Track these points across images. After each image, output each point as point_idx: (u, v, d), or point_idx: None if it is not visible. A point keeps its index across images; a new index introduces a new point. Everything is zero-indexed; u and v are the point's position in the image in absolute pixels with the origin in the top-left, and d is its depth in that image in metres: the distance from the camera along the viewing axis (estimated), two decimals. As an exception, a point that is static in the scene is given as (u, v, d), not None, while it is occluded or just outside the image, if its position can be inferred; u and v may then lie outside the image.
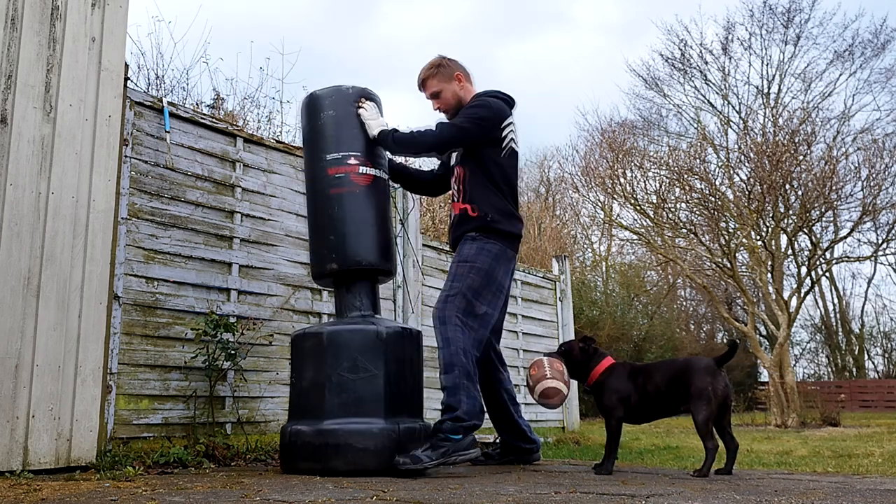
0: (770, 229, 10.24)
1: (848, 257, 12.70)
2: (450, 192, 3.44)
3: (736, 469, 2.99)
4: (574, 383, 4.50)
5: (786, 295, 10.66)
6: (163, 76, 7.62)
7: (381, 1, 40.30)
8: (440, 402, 2.96)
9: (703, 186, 10.38)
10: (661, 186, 10.99)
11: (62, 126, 2.92)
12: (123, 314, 3.31)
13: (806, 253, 12.28)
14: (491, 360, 3.39)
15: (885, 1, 27.76)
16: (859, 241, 15.38)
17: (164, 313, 3.49)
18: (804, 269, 11.83)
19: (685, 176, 10.46)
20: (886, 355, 25.09)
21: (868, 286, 28.16)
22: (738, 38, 19.79)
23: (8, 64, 2.81)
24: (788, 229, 10.35)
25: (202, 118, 3.85)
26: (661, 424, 8.22)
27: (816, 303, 23.86)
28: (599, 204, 15.37)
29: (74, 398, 2.81)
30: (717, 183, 10.66)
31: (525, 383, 3.26)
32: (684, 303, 21.62)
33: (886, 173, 9.93)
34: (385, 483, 2.50)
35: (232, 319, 3.68)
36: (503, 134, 3.23)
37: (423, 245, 5.46)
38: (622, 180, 11.16)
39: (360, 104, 3.22)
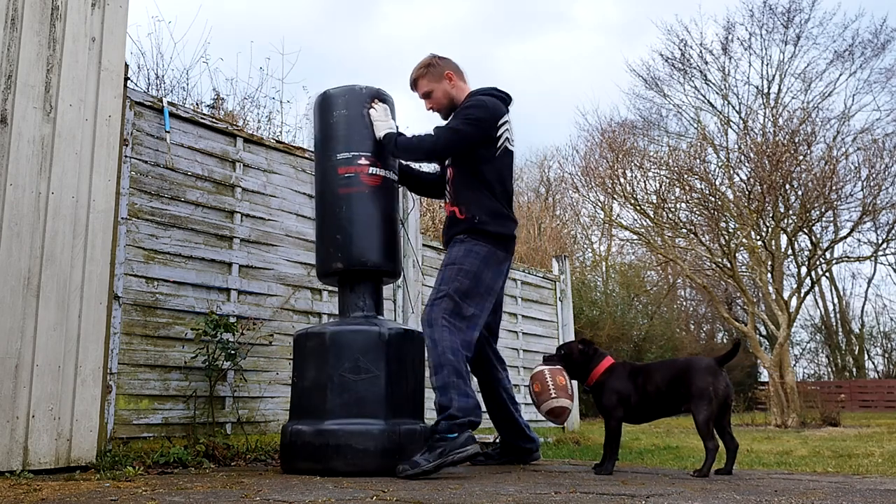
0: (770, 229, 10.24)
1: (848, 257, 12.70)
2: None
3: (736, 469, 2.99)
4: (574, 384, 4.50)
5: (786, 295, 10.66)
6: (163, 76, 7.63)
7: (381, 1, 40.31)
8: (433, 402, 2.95)
9: (703, 186, 10.38)
10: (661, 186, 10.99)
11: (62, 126, 2.92)
12: (123, 314, 3.31)
13: (806, 253, 12.28)
14: (489, 360, 3.39)
15: (885, 1, 27.78)
16: (859, 241, 15.39)
17: (164, 313, 3.49)
18: (804, 269, 11.83)
19: (685, 176, 10.46)
20: (886, 355, 25.10)
21: (868, 286, 28.20)
22: (738, 38, 19.80)
23: (8, 64, 2.81)
24: (788, 229, 10.35)
25: (202, 118, 3.85)
26: (661, 424, 8.21)
27: (816, 303, 23.89)
28: (599, 204, 15.37)
29: (74, 398, 2.81)
30: (717, 183, 10.66)
31: (528, 389, 3.25)
32: (684, 303, 21.63)
33: (886, 173, 9.93)
34: (385, 483, 2.50)
35: (232, 319, 3.68)
36: (498, 133, 3.17)
37: (423, 245, 5.46)
38: (622, 180, 11.16)
39: (372, 105, 3.21)
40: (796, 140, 10.12)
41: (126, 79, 3.28)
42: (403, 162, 3.44)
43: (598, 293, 17.13)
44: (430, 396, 2.97)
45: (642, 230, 11.94)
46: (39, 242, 2.79)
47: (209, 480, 2.55)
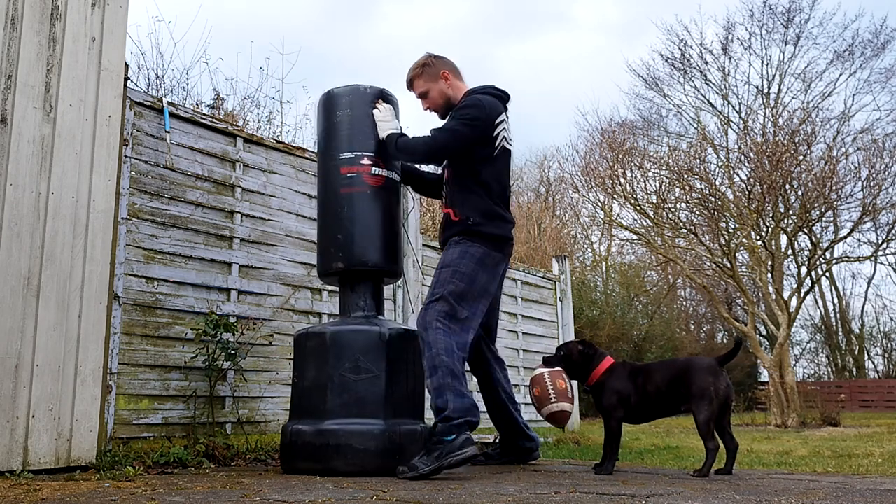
0: (770, 229, 10.23)
1: (848, 257, 12.69)
2: None
3: (736, 469, 2.99)
4: (574, 386, 4.50)
5: (786, 295, 10.66)
6: (163, 76, 7.63)
7: (381, 1, 40.32)
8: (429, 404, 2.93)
9: (703, 186, 10.38)
10: (661, 186, 10.99)
11: (62, 126, 2.92)
12: (123, 314, 3.31)
13: (806, 253, 12.28)
14: (486, 360, 3.38)
15: (885, 1, 27.80)
16: (859, 241, 15.41)
17: (164, 313, 3.49)
18: (804, 269, 11.83)
19: (685, 176, 10.46)
20: (886, 355, 25.10)
21: (868, 286, 28.20)
22: (738, 38, 19.84)
23: (8, 64, 2.81)
24: (788, 229, 10.34)
25: (202, 118, 3.85)
26: (661, 424, 8.21)
27: (816, 303, 23.89)
28: (599, 204, 15.37)
29: (74, 398, 2.81)
30: (717, 183, 10.66)
31: (528, 390, 3.25)
32: (684, 303, 21.63)
33: (886, 173, 9.92)
34: (385, 483, 2.50)
35: (232, 319, 3.68)
36: (495, 132, 3.13)
37: (423, 245, 5.46)
38: (622, 180, 11.16)
39: (376, 105, 3.21)
40: (796, 140, 10.12)
41: (126, 79, 3.28)
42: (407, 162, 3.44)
43: (598, 293, 17.13)
44: (430, 396, 2.97)
45: (642, 230, 11.94)
46: (39, 242, 2.79)
47: (209, 480, 2.55)
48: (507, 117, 3.27)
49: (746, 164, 10.48)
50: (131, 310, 3.36)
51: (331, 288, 4.25)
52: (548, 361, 3.13)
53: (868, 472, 3.34)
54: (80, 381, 2.83)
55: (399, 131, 3.18)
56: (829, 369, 24.52)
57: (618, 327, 15.12)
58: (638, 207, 11.08)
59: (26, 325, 2.71)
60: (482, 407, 3.52)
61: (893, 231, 10.72)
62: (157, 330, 3.44)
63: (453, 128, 3.11)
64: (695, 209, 10.68)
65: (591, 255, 20.25)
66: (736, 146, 12.07)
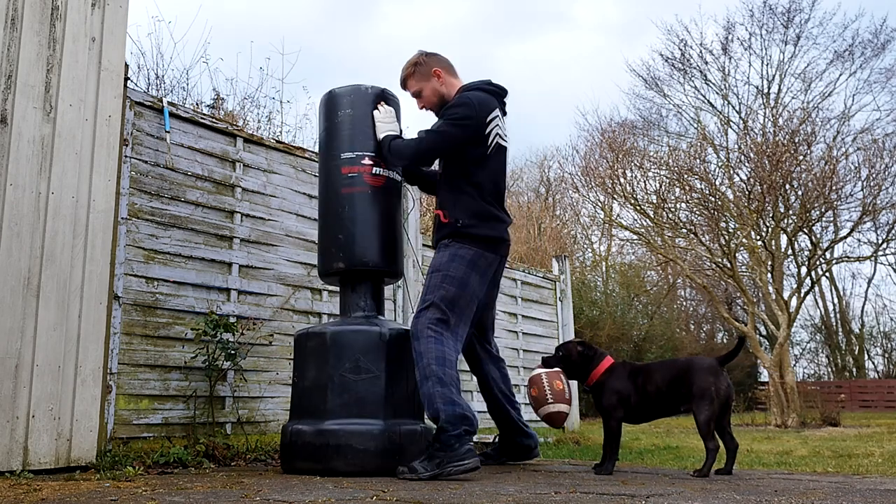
0: (770, 229, 10.23)
1: (848, 257, 12.69)
2: None
3: (736, 469, 2.99)
4: (574, 384, 4.50)
5: (786, 295, 10.66)
6: (163, 76, 7.63)
7: (381, 1, 40.33)
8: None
9: (703, 186, 10.38)
10: (661, 186, 10.99)
11: (62, 126, 2.92)
12: (123, 314, 3.31)
13: (806, 253, 12.28)
14: (479, 359, 3.35)
15: (885, 1, 27.81)
16: (859, 241, 15.42)
17: (164, 313, 3.49)
18: (804, 269, 11.83)
19: (685, 176, 10.46)
20: (886, 355, 25.10)
21: (868, 286, 28.22)
22: (738, 38, 19.84)
23: (8, 64, 2.81)
24: (788, 229, 10.34)
25: (202, 118, 3.85)
26: (661, 424, 8.21)
27: (816, 303, 23.89)
28: (599, 204, 15.36)
29: (74, 398, 2.81)
30: (717, 183, 10.66)
31: (526, 389, 3.25)
32: (684, 303, 21.63)
33: (886, 173, 9.92)
34: (385, 483, 2.49)
35: (232, 319, 3.68)
36: (487, 130, 3.06)
37: (423, 245, 5.46)
38: (622, 180, 11.16)
39: (378, 106, 3.19)
40: (796, 140, 10.12)
41: (126, 79, 3.28)
42: None
43: (598, 293, 17.13)
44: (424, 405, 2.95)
45: (642, 230, 11.94)
46: (39, 242, 2.79)
47: (209, 480, 2.55)
48: (504, 113, 3.22)
49: (746, 164, 10.48)
50: (131, 310, 3.36)
51: (331, 288, 4.25)
52: (546, 362, 3.13)
53: (868, 472, 3.34)
54: (80, 381, 2.83)
55: (395, 133, 3.16)
56: (829, 369, 24.52)
57: (618, 327, 15.13)
58: (638, 207, 11.08)
59: (26, 325, 2.71)
60: (482, 407, 3.52)
61: (893, 231, 10.72)
62: (157, 330, 3.44)
63: (441, 129, 3.05)
64: (695, 209, 10.68)
65: (591, 255, 20.27)
66: (736, 146, 12.07)
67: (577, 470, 3.12)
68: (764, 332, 19.87)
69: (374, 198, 3.13)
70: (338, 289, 3.31)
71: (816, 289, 22.34)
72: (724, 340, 21.92)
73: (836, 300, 24.14)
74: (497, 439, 3.50)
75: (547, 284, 7.19)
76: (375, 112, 3.19)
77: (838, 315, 24.01)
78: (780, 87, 18.84)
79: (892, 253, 16.18)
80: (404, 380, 2.98)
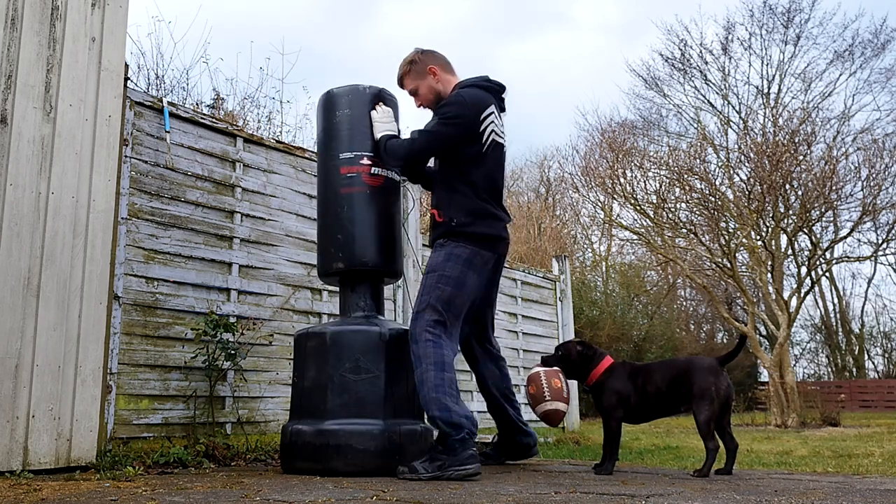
0: (770, 229, 10.23)
1: (848, 257, 12.69)
2: None
3: (736, 469, 2.99)
4: (574, 384, 4.50)
5: (786, 295, 10.66)
6: (163, 76, 7.63)
7: (381, 1, 40.34)
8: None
9: (703, 186, 10.38)
10: (661, 186, 10.99)
11: (62, 126, 2.92)
12: (123, 314, 3.31)
13: (806, 253, 12.28)
14: (475, 357, 3.34)
15: (885, 1, 27.81)
16: (859, 241, 15.42)
17: (164, 313, 3.49)
18: (804, 269, 11.82)
19: (685, 176, 10.46)
20: (886, 355, 25.10)
21: (868, 286, 28.22)
22: (738, 38, 19.84)
23: (8, 64, 2.81)
24: (788, 229, 10.34)
25: (202, 118, 3.85)
26: (661, 424, 8.21)
27: (816, 303, 23.89)
28: (599, 204, 15.37)
29: (74, 398, 2.81)
30: (717, 183, 10.66)
31: (525, 386, 3.24)
32: (684, 303, 21.63)
33: (886, 173, 9.92)
34: (385, 483, 2.50)
35: (232, 319, 3.68)
36: (482, 127, 3.02)
37: (423, 245, 5.46)
38: (622, 180, 11.16)
39: (376, 107, 3.18)
40: (796, 140, 10.12)
41: (126, 79, 3.28)
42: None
43: (598, 293, 17.13)
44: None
45: (642, 230, 11.94)
46: (39, 242, 2.79)
47: (209, 480, 2.55)
48: (501, 110, 3.19)
49: (746, 164, 10.48)
50: (131, 310, 3.36)
51: (331, 288, 4.25)
52: (546, 361, 3.12)
53: (868, 472, 3.34)
54: (80, 381, 2.83)
55: (391, 133, 3.14)
56: (829, 369, 24.52)
57: (618, 327, 15.13)
58: (638, 207, 11.08)
59: (26, 325, 2.71)
60: (482, 406, 3.52)
61: (893, 231, 10.72)
62: (157, 330, 3.44)
63: (433, 129, 3.03)
64: (695, 209, 10.68)
65: (591, 255, 20.27)
66: (736, 146, 12.07)
67: (577, 470, 3.12)
68: (764, 332, 19.87)
69: (373, 198, 3.13)
70: (337, 289, 3.31)
71: (816, 289, 22.34)
72: (724, 340, 21.92)
73: (836, 300, 24.16)
74: (496, 439, 3.50)
75: (547, 284, 7.19)
76: (373, 112, 3.18)
77: (838, 315, 24.01)
78: (780, 87, 18.86)
79: (892, 253, 16.19)
80: (404, 380, 2.98)
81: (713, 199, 10.29)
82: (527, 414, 3.79)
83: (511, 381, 3.46)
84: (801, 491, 2.34)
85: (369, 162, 3.14)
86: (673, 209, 10.90)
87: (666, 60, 19.33)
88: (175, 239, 3.59)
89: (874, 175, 9.88)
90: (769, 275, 10.27)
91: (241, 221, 3.92)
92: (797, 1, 18.83)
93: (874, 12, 29.62)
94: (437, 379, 2.78)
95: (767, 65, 19.08)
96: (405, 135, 3.20)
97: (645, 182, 11.25)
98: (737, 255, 10.93)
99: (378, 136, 3.15)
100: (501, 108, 3.23)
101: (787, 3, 19.55)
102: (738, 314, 19.06)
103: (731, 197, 10.41)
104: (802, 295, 10.73)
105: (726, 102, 18.59)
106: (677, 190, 10.77)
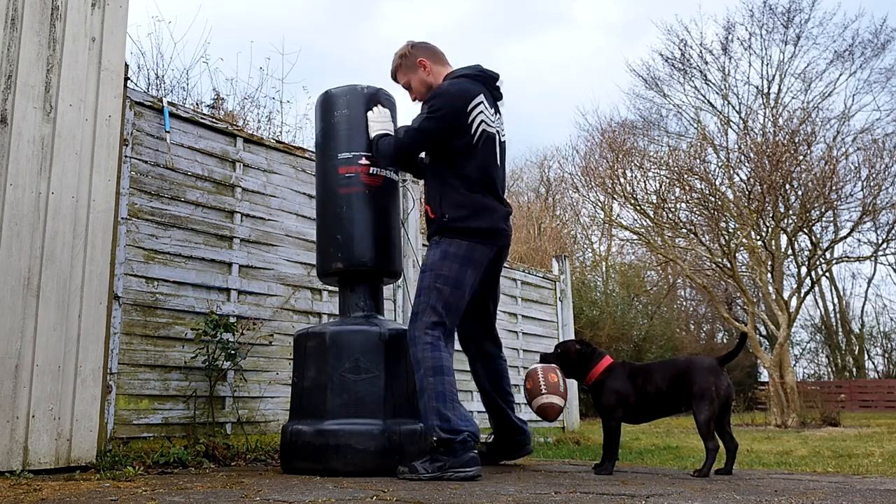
0: (770, 229, 10.24)
1: (848, 257, 12.70)
2: None
3: (736, 469, 2.99)
4: (574, 384, 4.50)
5: (786, 295, 10.67)
6: (163, 76, 7.63)
7: (381, 1, 40.35)
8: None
9: (703, 186, 10.38)
10: (661, 186, 10.99)
11: (62, 126, 2.92)
12: (123, 314, 3.31)
13: (806, 253, 12.27)
14: (474, 353, 3.31)
15: (885, 1, 27.81)
16: (859, 241, 15.42)
17: (164, 313, 3.49)
18: (804, 269, 11.82)
19: (685, 176, 10.46)
20: (886, 355, 25.11)
21: (868, 286, 28.22)
22: (738, 38, 19.82)
23: (8, 64, 2.81)
24: (788, 229, 10.35)
25: (202, 118, 3.85)
26: (661, 424, 8.22)
27: (816, 303, 23.89)
28: (599, 204, 15.37)
29: (74, 398, 2.81)
30: (717, 183, 10.66)
31: (523, 383, 3.23)
32: (684, 303, 21.64)
33: (886, 173, 9.93)
34: (385, 483, 2.50)
35: (232, 319, 3.68)
36: (470, 119, 2.95)
37: (423, 245, 5.46)
38: (622, 180, 11.16)
39: (373, 108, 3.17)
40: (796, 140, 10.13)
41: (126, 79, 3.28)
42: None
43: (598, 293, 17.13)
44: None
45: (642, 230, 11.94)
46: (39, 242, 2.79)
47: (209, 480, 2.55)
48: (496, 98, 3.15)
49: (746, 164, 10.48)
50: (131, 310, 3.36)
51: (331, 288, 4.25)
52: (545, 359, 3.11)
53: (868, 472, 3.34)
54: (80, 381, 2.83)
55: (382, 133, 3.12)
56: (829, 369, 24.53)
57: (618, 327, 15.13)
58: (638, 207, 11.08)
59: (26, 325, 2.71)
60: (482, 407, 3.51)
61: (893, 231, 10.72)
62: (157, 330, 3.44)
63: (418, 126, 2.99)
64: (695, 209, 10.68)
65: (591, 255, 20.27)
66: (736, 146, 12.08)
67: (577, 470, 3.12)
68: (764, 332, 19.87)
69: (372, 197, 3.13)
70: (337, 289, 3.31)
71: (816, 289, 22.35)
72: (724, 340, 21.92)
73: (836, 300, 24.16)
74: (491, 438, 3.49)
75: (547, 284, 7.19)
76: (369, 113, 3.18)
77: (838, 315, 24.01)
78: (780, 87, 18.85)
79: (892, 253, 16.19)
80: (404, 380, 2.98)
81: (713, 199, 10.29)
82: (527, 414, 3.78)
83: (509, 378, 3.44)
84: (801, 491, 2.34)
85: (368, 162, 3.14)
86: (673, 209, 10.91)
87: (666, 60, 19.35)
88: (175, 239, 3.59)
89: (874, 175, 9.89)
90: (769, 275, 10.27)
91: (241, 221, 3.92)
92: (797, 1, 18.85)
93: (874, 12, 29.66)
94: (436, 385, 2.76)
95: (767, 65, 19.09)
96: None
97: (645, 182, 11.26)
98: (737, 255, 10.94)
99: (372, 135, 3.14)
100: (496, 97, 3.19)
101: (787, 3, 19.57)
102: (738, 314, 19.07)
103: (731, 197, 10.41)
104: (802, 295, 10.73)
105: (726, 102, 18.60)
106: (677, 190, 10.77)
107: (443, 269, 2.91)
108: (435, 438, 2.73)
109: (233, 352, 3.50)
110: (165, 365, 3.44)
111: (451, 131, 2.96)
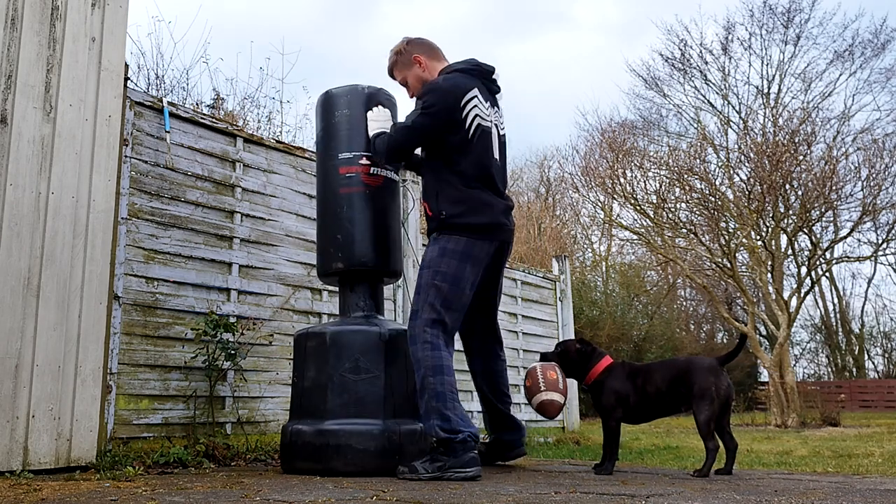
0: (770, 229, 10.24)
1: (848, 257, 12.70)
2: None
3: (736, 469, 2.99)
4: (574, 384, 4.50)
5: (786, 295, 10.67)
6: (163, 76, 7.62)
7: (381, 1, 40.35)
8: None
9: (703, 186, 10.38)
10: (661, 186, 10.99)
11: (62, 126, 2.92)
12: (123, 314, 3.31)
13: (806, 253, 12.28)
14: (473, 349, 3.29)
15: (885, 1, 27.81)
16: (859, 241, 15.43)
17: (164, 313, 3.49)
18: (804, 269, 11.83)
19: (685, 176, 10.46)
20: (886, 355, 25.11)
21: (868, 286, 28.23)
22: (738, 38, 19.84)
23: (8, 64, 2.81)
24: (788, 229, 10.35)
25: (202, 118, 3.85)
26: (661, 424, 8.22)
27: (816, 303, 23.90)
28: (599, 204, 15.37)
29: (74, 398, 2.81)
30: (717, 183, 10.67)
31: (522, 382, 3.23)
32: (684, 303, 21.64)
33: (886, 173, 9.93)
34: (385, 483, 2.50)
35: (232, 319, 3.68)
36: (464, 113, 2.92)
37: (423, 245, 5.46)
38: (622, 180, 11.16)
39: (373, 108, 3.17)
40: (796, 140, 10.13)
41: (126, 79, 3.28)
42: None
43: (598, 293, 17.13)
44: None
45: (642, 230, 11.94)
46: (39, 242, 2.79)
47: (209, 480, 2.55)
48: (492, 92, 3.12)
49: (746, 164, 10.48)
50: (131, 310, 3.36)
51: (331, 288, 4.25)
52: (545, 358, 3.12)
53: (868, 472, 3.34)
54: (80, 381, 2.83)
55: (380, 131, 3.11)
56: (829, 369, 24.53)
57: (618, 327, 15.13)
58: (638, 207, 11.08)
59: (26, 325, 2.71)
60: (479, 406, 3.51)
61: (893, 231, 10.73)
62: (157, 330, 3.44)
63: (410, 123, 2.98)
64: (695, 209, 10.68)
65: (591, 255, 20.27)
66: (736, 146, 12.08)
67: (577, 470, 3.12)
68: (764, 332, 19.87)
69: (373, 197, 3.13)
70: (337, 289, 3.31)
71: (816, 289, 22.35)
72: (724, 340, 21.92)
73: (836, 300, 24.17)
74: (488, 439, 3.48)
75: (547, 284, 7.18)
76: (369, 112, 3.17)
77: (838, 315, 24.01)
78: (780, 87, 18.86)
79: (892, 253, 16.19)
80: (404, 380, 2.98)
81: (713, 199, 10.30)
82: (527, 414, 3.78)
83: (507, 378, 3.42)
84: (801, 491, 2.34)
85: (368, 162, 3.14)
86: (673, 209, 10.91)
87: (666, 60, 19.35)
88: (175, 239, 3.59)
89: (874, 175, 9.89)
90: (769, 275, 10.28)
91: (241, 221, 3.92)
92: (797, 1, 18.86)
93: (874, 12, 29.69)
94: (436, 385, 2.75)
95: (767, 65, 19.10)
96: None
97: (645, 182, 11.26)
98: (737, 255, 10.94)
99: (370, 134, 3.14)
100: (492, 91, 3.17)
101: (787, 3, 19.57)
102: (738, 314, 19.07)
103: (731, 197, 10.41)
104: (802, 295, 10.73)
105: (726, 102, 18.60)
106: (677, 190, 10.77)
107: (441, 265, 2.89)
108: (435, 438, 2.73)
109: (233, 352, 3.50)
110: (165, 365, 3.44)
111: (444, 127, 2.95)
